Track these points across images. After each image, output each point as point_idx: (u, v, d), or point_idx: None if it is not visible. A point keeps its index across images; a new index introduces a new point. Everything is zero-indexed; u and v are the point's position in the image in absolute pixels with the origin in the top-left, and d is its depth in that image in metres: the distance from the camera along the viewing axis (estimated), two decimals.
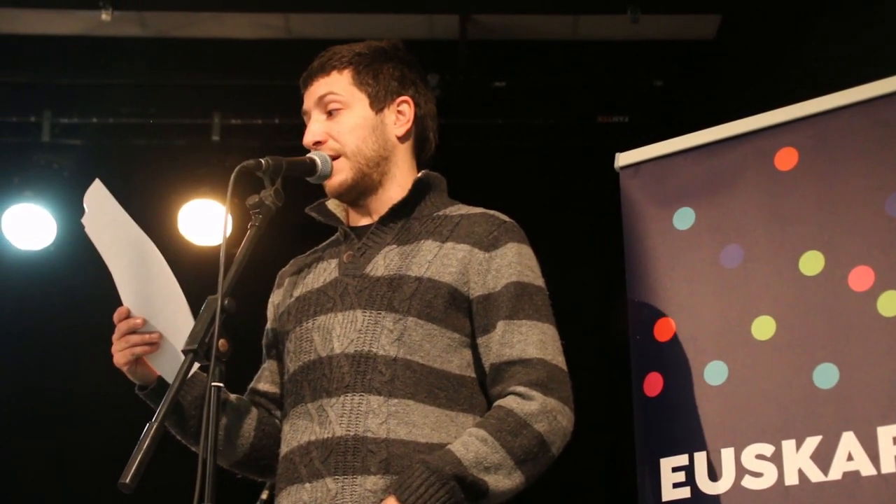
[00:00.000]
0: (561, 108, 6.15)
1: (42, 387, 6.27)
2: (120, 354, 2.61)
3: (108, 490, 6.09)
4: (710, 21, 5.97)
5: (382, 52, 2.80)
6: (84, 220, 2.65)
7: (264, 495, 4.26)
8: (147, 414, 2.41)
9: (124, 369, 2.63)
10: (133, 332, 2.60)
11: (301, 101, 2.84)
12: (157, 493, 3.57)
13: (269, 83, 6.10)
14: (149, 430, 2.28)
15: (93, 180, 6.43)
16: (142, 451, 2.26)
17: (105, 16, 5.58)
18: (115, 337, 2.62)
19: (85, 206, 2.64)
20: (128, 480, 2.24)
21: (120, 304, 2.64)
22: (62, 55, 6.01)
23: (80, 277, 6.26)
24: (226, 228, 2.57)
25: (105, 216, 2.61)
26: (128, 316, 2.62)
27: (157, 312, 2.57)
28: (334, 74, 2.76)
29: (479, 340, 2.62)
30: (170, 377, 2.56)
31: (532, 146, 6.24)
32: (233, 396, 2.74)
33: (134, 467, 2.25)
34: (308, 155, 2.74)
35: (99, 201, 2.61)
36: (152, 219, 5.35)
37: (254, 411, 2.75)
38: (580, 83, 6.13)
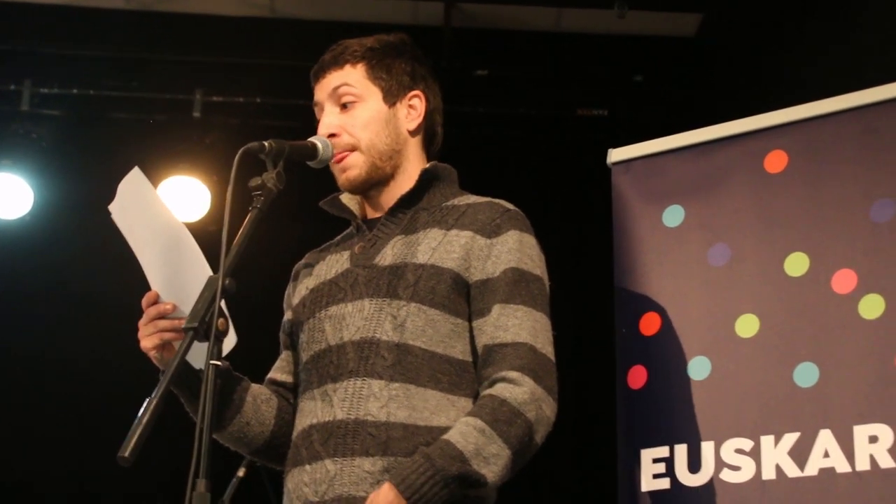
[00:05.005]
0: (541, 100, 6.19)
1: (17, 355, 6.26)
2: (148, 339, 2.61)
3: (77, 455, 6.10)
4: (692, 19, 6.03)
5: (393, 47, 2.83)
6: (111, 207, 2.67)
7: (241, 472, 4.30)
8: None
9: (150, 354, 2.63)
10: (162, 317, 2.61)
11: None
12: (151, 467, 3.59)
13: (252, 62, 6.10)
14: (148, 406, 2.29)
15: (71, 151, 6.41)
16: (141, 426, 2.27)
17: None
18: (142, 322, 2.62)
19: (118, 191, 2.66)
20: (127, 454, 2.24)
21: (146, 290, 2.63)
22: (45, 24, 5.97)
23: (55, 248, 6.29)
24: (228, 210, 2.57)
25: (139, 203, 2.62)
26: (156, 301, 2.62)
27: (186, 299, 2.56)
28: (348, 68, 2.79)
29: (475, 323, 2.64)
30: (197, 363, 2.58)
31: (511, 136, 6.28)
32: (254, 386, 2.77)
33: (133, 441, 2.25)
34: (309, 139, 2.76)
35: (134, 188, 2.62)
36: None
37: (274, 400, 2.78)
38: (561, 75, 6.16)
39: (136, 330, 2.66)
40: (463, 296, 2.65)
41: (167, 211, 2.61)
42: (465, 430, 2.49)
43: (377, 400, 2.57)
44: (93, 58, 6.12)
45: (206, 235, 2.83)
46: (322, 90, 2.82)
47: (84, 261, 6.19)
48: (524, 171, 6.17)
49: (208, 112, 6.14)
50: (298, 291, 2.84)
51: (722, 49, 5.90)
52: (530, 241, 2.71)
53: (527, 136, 6.29)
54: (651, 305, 3.18)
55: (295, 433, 2.68)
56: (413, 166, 2.80)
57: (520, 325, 2.60)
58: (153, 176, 6.04)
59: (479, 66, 6.10)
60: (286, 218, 3.82)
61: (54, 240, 6.29)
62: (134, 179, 2.63)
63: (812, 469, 2.91)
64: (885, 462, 2.83)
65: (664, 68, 6.10)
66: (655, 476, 3.07)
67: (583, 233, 5.99)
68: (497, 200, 2.75)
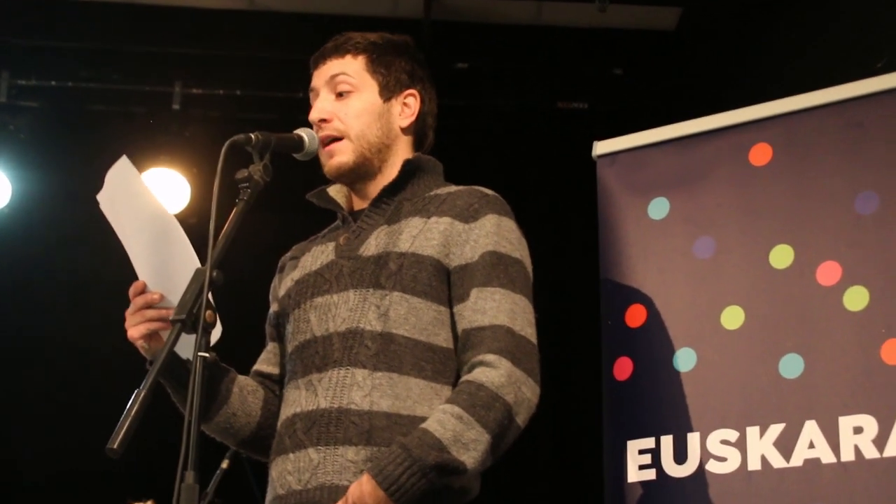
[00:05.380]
0: (522, 92, 6.19)
1: None
2: (135, 329, 2.61)
3: (61, 447, 6.06)
4: (671, 13, 6.04)
5: (396, 46, 2.85)
6: (99, 197, 2.66)
7: (224, 464, 4.30)
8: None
9: (137, 343, 2.63)
10: (149, 306, 2.61)
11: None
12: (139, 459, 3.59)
13: (232, 54, 6.07)
14: (137, 397, 2.29)
15: (50, 143, 6.36)
16: (130, 418, 2.26)
17: None
18: (129, 311, 2.62)
19: (105, 181, 2.65)
20: (115, 446, 2.24)
21: (128, 280, 2.63)
22: (23, 15, 5.93)
23: (34, 240, 6.26)
24: (215, 202, 2.55)
25: (126, 192, 2.61)
26: (143, 291, 2.62)
27: (174, 289, 2.56)
28: (349, 58, 2.80)
29: (455, 309, 2.64)
30: (184, 353, 2.58)
31: (491, 129, 6.28)
32: (241, 377, 2.78)
33: (122, 433, 2.24)
34: (296, 131, 2.76)
35: (122, 177, 2.62)
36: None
37: (260, 391, 2.79)
38: (541, 68, 6.17)
39: (121, 320, 2.66)
40: (444, 283, 2.66)
41: (155, 200, 2.60)
42: (442, 417, 2.49)
43: (361, 389, 2.57)
44: (71, 49, 6.08)
45: (186, 228, 2.80)
46: (320, 76, 2.83)
47: (63, 253, 6.17)
48: (504, 164, 6.17)
49: (188, 104, 6.11)
50: (284, 283, 2.84)
51: (702, 43, 5.91)
52: (509, 224, 2.71)
53: (507, 128, 6.29)
54: (637, 297, 3.20)
55: (279, 422, 2.69)
56: (400, 161, 2.81)
57: (497, 308, 2.59)
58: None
59: (459, 59, 6.09)
60: (271, 210, 3.80)
61: (33, 232, 6.26)
62: (122, 169, 2.63)
63: (797, 460, 2.93)
64: (870, 453, 2.85)
65: (644, 61, 6.11)
66: (641, 467, 3.09)
67: (564, 224, 6.00)
68: (476, 187, 2.76)
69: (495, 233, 2.67)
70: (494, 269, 2.63)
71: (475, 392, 2.51)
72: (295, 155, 2.76)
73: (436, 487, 2.45)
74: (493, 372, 2.53)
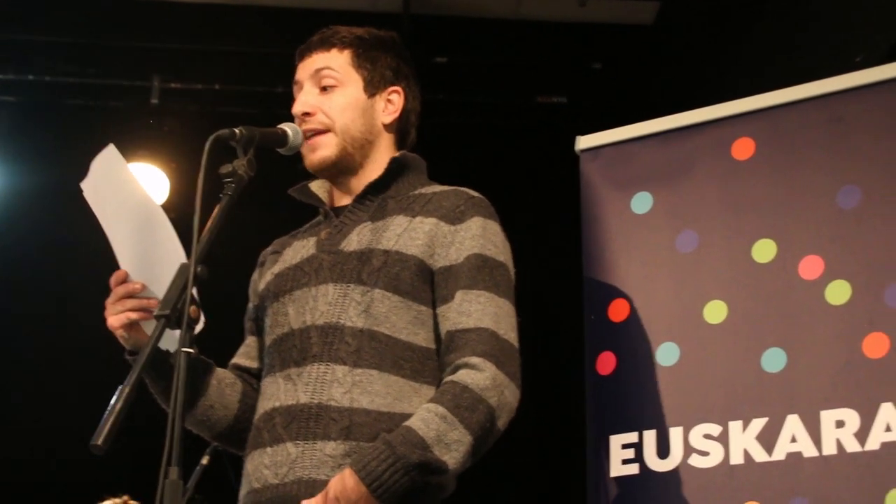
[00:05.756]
0: (501, 87, 6.20)
1: None
2: (115, 318, 2.60)
3: (43, 444, 6.03)
4: (650, 7, 6.05)
5: (382, 42, 2.85)
6: (83, 184, 2.65)
7: (204, 460, 4.29)
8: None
9: (117, 333, 2.62)
10: (131, 296, 2.60)
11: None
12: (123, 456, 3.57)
13: (211, 48, 6.07)
14: (121, 393, 2.27)
15: (27, 138, 6.34)
16: (114, 414, 2.25)
17: None
18: (109, 300, 2.61)
19: (91, 168, 2.63)
20: (100, 442, 2.23)
21: (108, 272, 2.63)
22: None
23: (10, 234, 6.23)
24: (199, 197, 2.54)
25: (112, 180, 2.60)
26: (125, 280, 2.61)
27: (157, 279, 2.56)
28: (334, 52, 2.80)
29: (439, 310, 2.65)
30: (166, 344, 2.57)
31: (471, 123, 6.29)
32: (219, 370, 2.77)
33: (106, 430, 2.23)
34: (280, 126, 2.76)
35: (108, 165, 2.60)
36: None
37: (238, 384, 2.78)
38: (521, 62, 6.17)
39: (101, 316, 2.65)
40: (427, 283, 2.66)
41: (142, 189, 2.58)
42: (426, 416, 2.48)
43: (341, 385, 2.57)
44: (49, 43, 6.06)
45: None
46: (305, 70, 2.82)
47: (40, 247, 6.14)
48: (484, 158, 6.18)
49: (166, 99, 6.10)
50: (264, 277, 2.84)
51: (679, 37, 5.93)
52: (494, 227, 2.72)
53: (486, 123, 6.29)
54: (619, 292, 3.20)
55: (256, 416, 2.68)
56: (383, 157, 2.81)
57: (482, 311, 2.60)
58: None
59: (438, 54, 6.10)
60: (253, 205, 3.80)
61: (9, 226, 6.24)
62: (108, 157, 2.61)
63: (780, 454, 2.94)
64: (852, 446, 2.86)
65: (623, 56, 6.12)
66: (624, 462, 3.09)
67: (544, 218, 6.01)
68: (462, 188, 2.76)
69: (481, 235, 2.67)
70: (480, 271, 2.64)
71: (459, 393, 2.51)
72: (279, 150, 2.76)
73: (416, 485, 2.45)
74: (477, 374, 2.53)
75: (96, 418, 2.24)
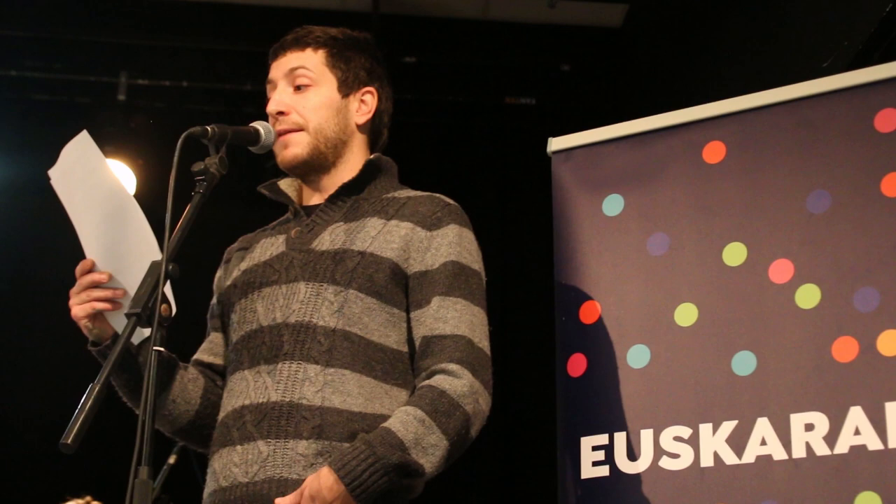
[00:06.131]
0: (469, 87, 6.21)
1: None
2: (80, 308, 2.58)
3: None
4: (618, 9, 6.07)
5: (356, 42, 2.86)
6: (51, 172, 2.62)
7: (171, 459, 4.27)
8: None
9: (81, 323, 2.61)
10: (96, 286, 2.58)
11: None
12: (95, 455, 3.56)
13: (179, 45, 6.05)
14: (91, 391, 2.26)
15: None
16: (84, 412, 2.24)
17: None
18: (74, 290, 2.59)
19: (61, 155, 2.60)
20: (69, 441, 2.22)
21: (82, 257, 2.60)
22: None
23: None
24: (171, 194, 2.52)
25: (83, 168, 2.56)
26: (91, 270, 2.59)
27: (126, 269, 2.53)
28: (309, 51, 2.80)
29: (413, 314, 2.66)
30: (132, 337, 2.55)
31: (439, 123, 6.29)
32: (182, 364, 2.76)
33: (76, 428, 2.23)
34: (252, 124, 2.76)
35: (81, 152, 2.57)
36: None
37: (200, 380, 2.77)
38: (489, 63, 6.19)
39: (67, 313, 2.63)
40: (400, 286, 2.67)
41: (115, 178, 2.56)
42: (405, 419, 2.50)
43: (312, 384, 2.57)
44: (15, 38, 6.02)
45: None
46: (279, 69, 2.82)
47: (3, 241, 6.10)
48: (452, 158, 6.19)
49: (133, 95, 6.07)
50: (230, 273, 2.83)
51: (647, 40, 5.95)
52: (469, 235, 2.75)
53: (454, 123, 6.30)
54: (591, 294, 3.20)
55: (223, 413, 2.67)
56: (356, 158, 2.82)
57: (459, 318, 2.62)
58: None
59: (407, 53, 6.10)
60: (219, 202, 3.79)
61: None
62: (80, 144, 2.58)
63: (749, 456, 2.94)
64: (821, 450, 2.87)
65: (591, 58, 6.14)
66: (595, 463, 3.09)
67: (513, 219, 6.02)
68: (437, 195, 2.79)
69: (457, 243, 2.69)
70: (456, 279, 2.66)
71: (437, 398, 2.53)
72: (251, 148, 2.76)
73: (393, 487, 2.45)
74: (455, 381, 2.55)
75: (62, 415, 2.23)
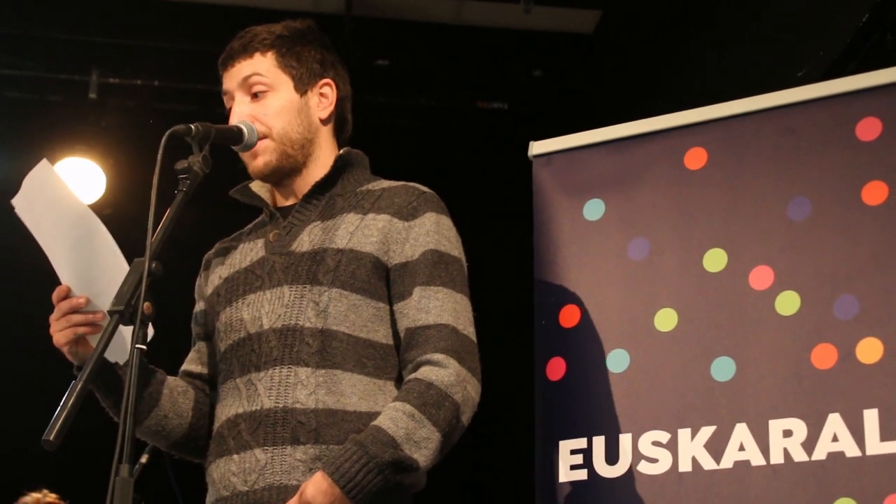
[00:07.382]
0: (441, 91, 6.21)
1: None
2: (61, 334, 2.56)
3: None
4: (591, 16, 6.09)
5: (302, 35, 2.81)
6: (14, 201, 2.60)
7: (143, 459, 4.24)
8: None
9: (64, 349, 2.58)
10: (75, 311, 2.56)
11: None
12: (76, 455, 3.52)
13: (150, 44, 6.01)
14: (73, 389, 2.25)
15: None
16: (66, 410, 2.23)
17: None
18: (53, 317, 2.56)
19: (23, 185, 2.58)
20: (52, 437, 2.21)
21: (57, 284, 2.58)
22: None
23: None
24: (155, 192, 2.51)
25: (47, 196, 2.55)
26: (67, 295, 2.57)
27: (101, 292, 2.51)
28: (257, 56, 2.76)
29: (396, 307, 2.65)
30: (114, 357, 2.54)
31: (411, 126, 6.29)
32: (170, 378, 2.74)
33: (58, 425, 2.22)
34: (234, 123, 2.74)
35: (42, 180, 2.56)
36: (23, 175, 5.23)
37: (190, 391, 2.75)
38: (461, 67, 6.19)
39: (42, 315, 2.61)
40: (383, 280, 2.66)
41: (79, 202, 2.54)
42: (394, 415, 2.49)
43: (305, 387, 2.56)
44: None
45: (101, 219, 2.71)
46: (231, 79, 2.78)
47: None
48: (423, 161, 6.17)
49: (105, 94, 6.03)
50: (211, 281, 2.81)
51: (619, 47, 5.97)
52: (447, 222, 2.73)
53: (426, 126, 6.30)
54: (571, 298, 3.21)
55: (218, 423, 2.66)
56: (325, 154, 2.80)
57: (441, 307, 2.61)
58: (48, 157, 5.88)
59: (379, 56, 6.09)
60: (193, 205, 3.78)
61: None
62: (41, 172, 2.57)
63: (727, 462, 2.96)
64: (799, 456, 2.89)
65: (563, 64, 6.15)
66: (573, 467, 3.10)
67: (488, 224, 6.02)
68: (411, 184, 2.77)
69: (435, 231, 2.68)
70: (436, 267, 2.64)
71: (425, 391, 2.52)
72: (233, 147, 2.74)
73: (389, 484, 2.45)
74: (441, 371, 2.54)
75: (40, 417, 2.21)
